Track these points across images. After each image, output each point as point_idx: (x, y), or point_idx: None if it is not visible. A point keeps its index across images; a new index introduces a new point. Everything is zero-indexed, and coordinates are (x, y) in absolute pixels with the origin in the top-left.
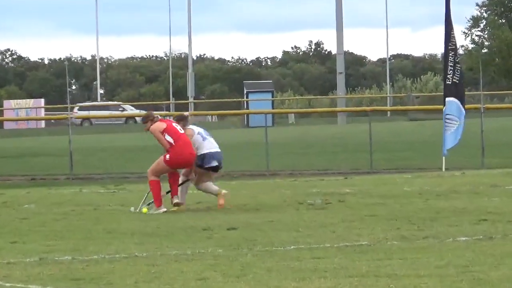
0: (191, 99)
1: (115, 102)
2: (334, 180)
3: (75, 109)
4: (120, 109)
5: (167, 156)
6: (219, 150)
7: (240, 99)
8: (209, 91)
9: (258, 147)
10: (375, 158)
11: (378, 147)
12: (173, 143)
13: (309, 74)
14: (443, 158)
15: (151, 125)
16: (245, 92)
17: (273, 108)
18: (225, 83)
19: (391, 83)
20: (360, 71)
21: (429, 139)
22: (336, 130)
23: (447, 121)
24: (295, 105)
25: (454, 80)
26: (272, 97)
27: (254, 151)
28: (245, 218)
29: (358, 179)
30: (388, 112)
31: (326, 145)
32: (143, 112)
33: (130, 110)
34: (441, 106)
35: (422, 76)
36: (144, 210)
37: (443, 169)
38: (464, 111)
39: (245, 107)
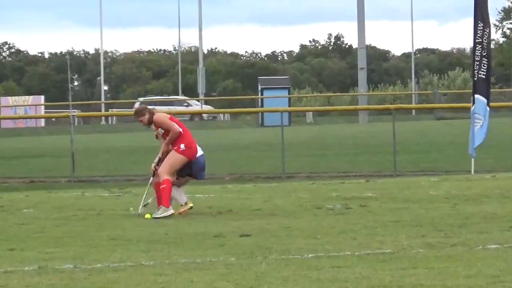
0: (201, 96)
1: (181, 97)
2: (355, 183)
3: (136, 104)
4: (185, 104)
5: (181, 146)
6: (202, 153)
7: (254, 96)
8: (221, 88)
9: (274, 148)
10: (399, 159)
11: (402, 148)
12: (182, 132)
13: (328, 69)
14: (472, 160)
15: (151, 116)
16: (259, 88)
17: (289, 106)
18: (238, 79)
19: (416, 80)
20: (383, 67)
21: (457, 139)
22: (357, 129)
23: (475, 120)
24: (313, 103)
25: (480, 75)
26: (289, 94)
27: (269, 152)
28: (259, 224)
29: (381, 182)
30: (413, 111)
31: (347, 146)
32: (208, 108)
33: (195, 105)
34: (469, 104)
35: (449, 72)
36: (148, 215)
37: (472, 172)
38: (488, 108)
39: (260, 105)
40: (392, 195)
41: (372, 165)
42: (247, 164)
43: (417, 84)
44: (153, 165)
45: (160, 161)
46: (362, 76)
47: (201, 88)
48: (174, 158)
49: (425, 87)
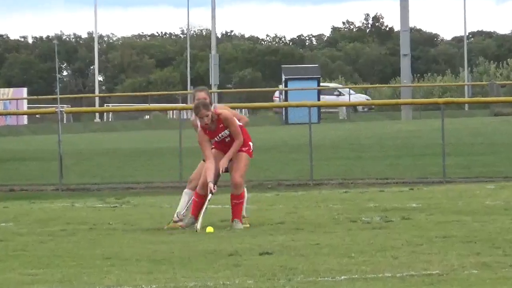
0: (214, 88)
1: (332, 85)
2: (397, 192)
3: (276, 93)
4: (336, 93)
5: (251, 145)
6: None
7: (277, 89)
8: (238, 78)
9: (300, 150)
10: (449, 163)
11: (452, 149)
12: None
13: (365, 56)
14: None
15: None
16: (283, 79)
17: (319, 100)
18: (258, 67)
19: (469, 68)
20: (430, 53)
21: None
22: (400, 127)
23: None
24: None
25: None
26: (318, 85)
27: (294, 154)
28: (282, 240)
29: (427, 190)
30: (466, 105)
31: (386, 147)
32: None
33: (351, 95)
34: None
35: (509, 60)
36: (210, 229)
37: None
38: None
39: (284, 98)
40: (440, 205)
41: (417, 170)
42: (268, 169)
43: (470, 73)
44: (211, 184)
45: (216, 176)
46: (405, 65)
47: (213, 78)
48: (247, 162)
49: (480, 77)
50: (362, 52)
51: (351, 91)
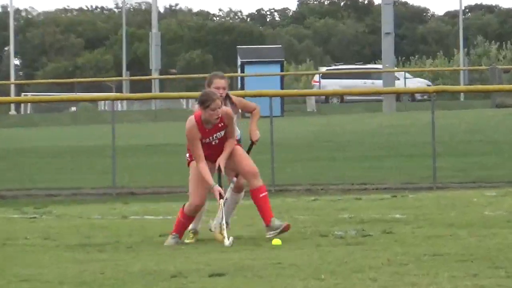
0: (155, 74)
1: (373, 66)
2: (377, 200)
3: (316, 77)
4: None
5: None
6: None
7: (231, 74)
8: (184, 62)
9: (259, 149)
10: (440, 165)
11: (445, 148)
12: None
13: (338, 35)
14: None
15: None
16: (239, 63)
17: (282, 89)
18: (208, 49)
19: (465, 50)
20: (418, 31)
21: None
22: (381, 122)
23: None
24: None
25: None
26: (282, 71)
27: (252, 154)
28: (237, 258)
29: (414, 198)
30: (462, 95)
31: (365, 146)
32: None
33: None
34: None
35: None
36: (277, 241)
37: None
38: None
39: (239, 86)
40: (429, 216)
41: (402, 174)
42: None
43: (466, 56)
44: (218, 188)
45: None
46: (388, 45)
47: (154, 62)
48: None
49: (478, 60)
50: (335, 30)
51: (408, 75)
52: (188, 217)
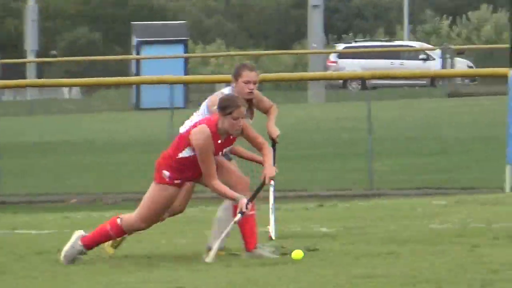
0: (31, 57)
1: (415, 43)
2: (299, 210)
3: (332, 57)
4: (422, 56)
5: None
6: None
7: (124, 56)
8: (67, 42)
9: (155, 149)
10: (379, 168)
11: (384, 147)
12: None
13: (256, 9)
14: (508, 169)
15: None
16: (134, 42)
17: (186, 74)
18: (96, 26)
19: (410, 26)
20: (353, 4)
21: (484, 133)
22: (306, 114)
23: None
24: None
25: None
26: (185, 52)
27: (147, 155)
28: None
29: (344, 207)
30: (406, 81)
31: (283, 145)
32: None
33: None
34: (505, 70)
35: (469, 13)
36: (298, 253)
37: (507, 189)
38: None
39: (134, 71)
40: (363, 230)
41: (330, 178)
42: (111, 177)
43: (412, 34)
44: (245, 201)
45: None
46: (315, 21)
47: (31, 42)
48: None
49: (427, 39)
50: (252, 2)
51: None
52: (122, 233)
